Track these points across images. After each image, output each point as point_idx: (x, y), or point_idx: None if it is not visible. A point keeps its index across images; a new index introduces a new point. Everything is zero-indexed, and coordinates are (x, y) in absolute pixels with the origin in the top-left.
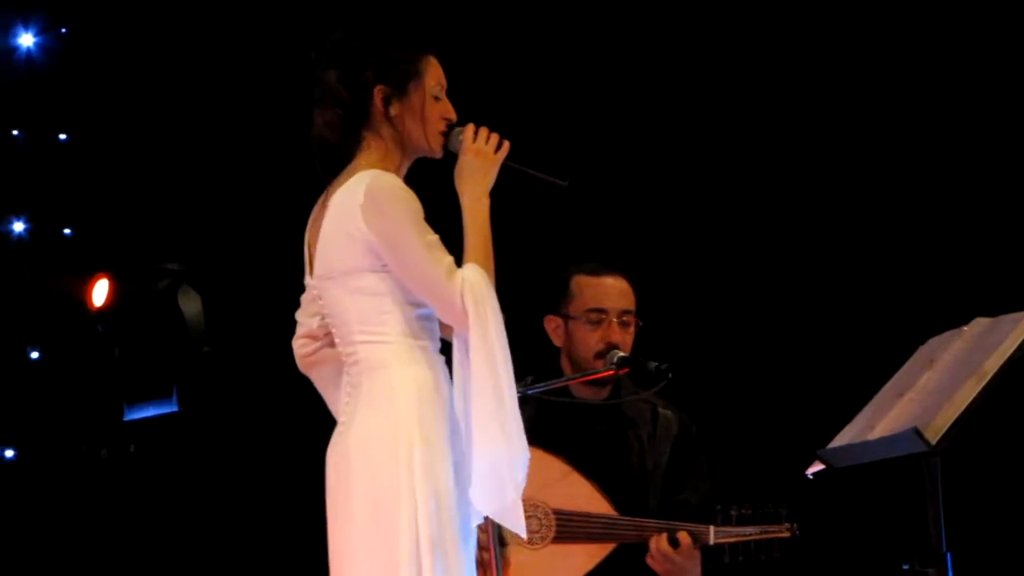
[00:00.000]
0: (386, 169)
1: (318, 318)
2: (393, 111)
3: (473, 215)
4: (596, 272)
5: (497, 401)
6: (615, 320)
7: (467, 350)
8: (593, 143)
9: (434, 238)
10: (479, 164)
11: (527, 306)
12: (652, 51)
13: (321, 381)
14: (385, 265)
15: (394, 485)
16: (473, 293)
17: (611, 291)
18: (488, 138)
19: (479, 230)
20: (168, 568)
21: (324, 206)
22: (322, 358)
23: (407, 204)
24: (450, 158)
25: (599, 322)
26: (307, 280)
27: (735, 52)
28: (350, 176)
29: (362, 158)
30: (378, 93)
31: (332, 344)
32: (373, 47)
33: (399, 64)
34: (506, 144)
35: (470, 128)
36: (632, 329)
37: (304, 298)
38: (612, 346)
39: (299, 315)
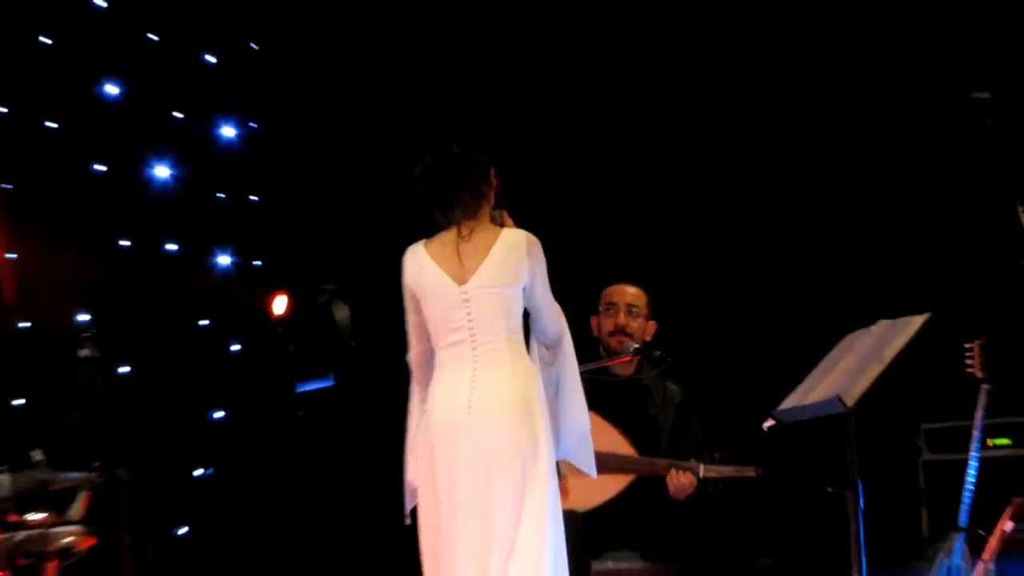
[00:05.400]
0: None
1: (425, 341)
2: (497, 190)
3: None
4: (617, 282)
5: (579, 386)
6: (623, 310)
7: (558, 354)
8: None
9: None
10: None
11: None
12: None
13: (419, 369)
14: (527, 287)
15: (536, 437)
16: (561, 320)
17: (621, 291)
18: None
19: None
20: (327, 490)
21: (468, 242)
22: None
23: None
24: None
25: (611, 312)
26: (444, 290)
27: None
28: (485, 226)
29: (485, 214)
30: (495, 177)
31: (430, 352)
32: (490, 164)
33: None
34: None
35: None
36: (641, 320)
37: (413, 322)
38: (620, 327)
39: (414, 337)
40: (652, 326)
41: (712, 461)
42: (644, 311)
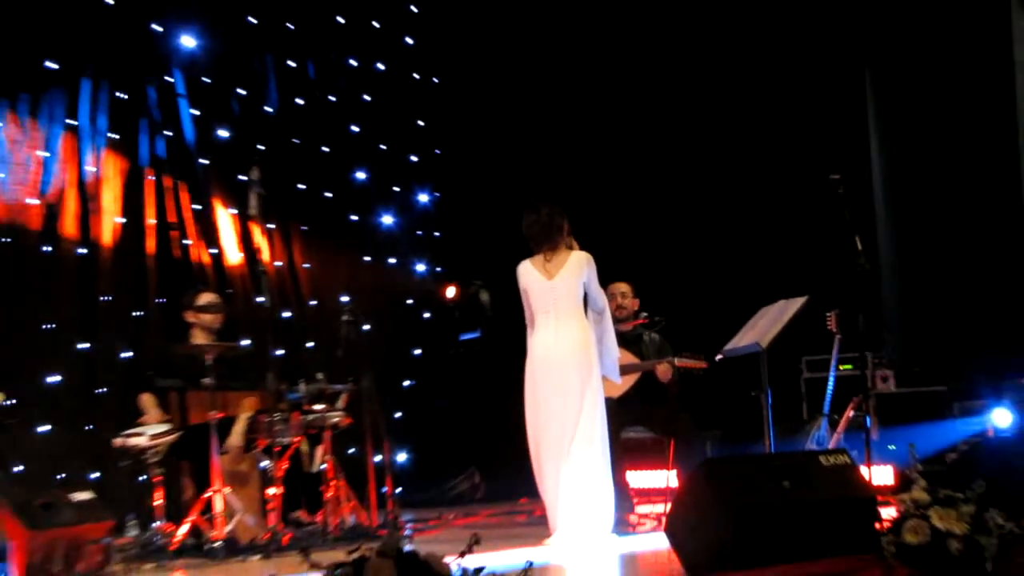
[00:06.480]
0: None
1: (531, 313)
2: (568, 231)
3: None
4: (613, 282)
5: (613, 335)
6: (618, 296)
7: (601, 318)
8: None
9: None
10: None
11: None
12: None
13: (531, 326)
14: (586, 283)
15: (590, 360)
16: (604, 300)
17: (616, 286)
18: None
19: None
20: (476, 392)
21: (551, 260)
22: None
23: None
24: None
25: (612, 299)
26: (540, 285)
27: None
28: (562, 250)
29: (562, 245)
30: (567, 224)
31: (533, 318)
32: (565, 215)
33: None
34: None
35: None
36: (629, 300)
37: (526, 304)
38: (619, 306)
39: (528, 312)
40: (636, 302)
41: (682, 356)
42: (630, 295)
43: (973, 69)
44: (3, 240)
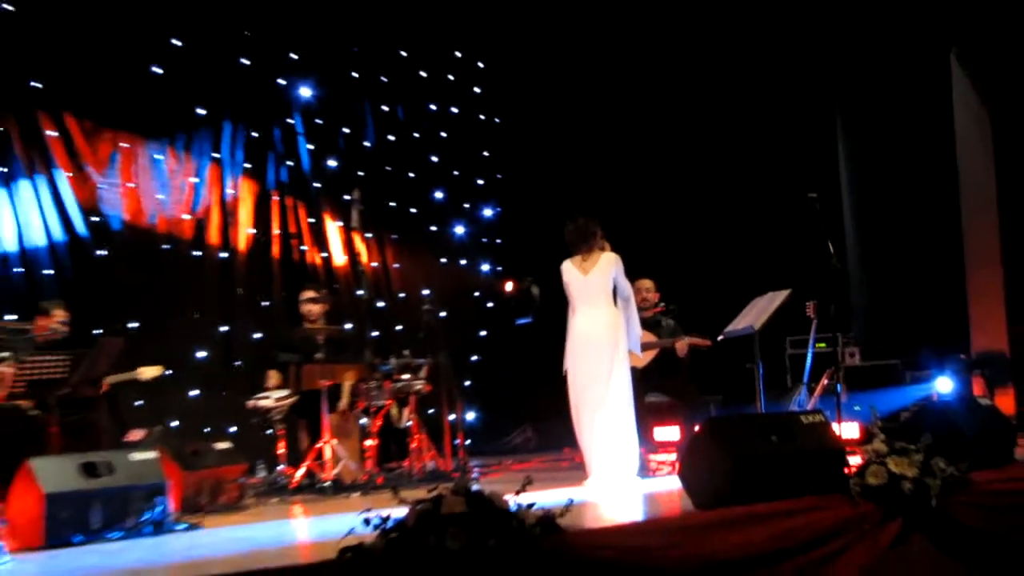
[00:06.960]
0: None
1: (573, 302)
2: (601, 236)
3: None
4: (639, 279)
5: (637, 317)
6: (642, 290)
7: (627, 305)
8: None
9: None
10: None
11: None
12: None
13: (572, 313)
14: (614, 278)
15: (617, 338)
16: (630, 289)
17: (641, 282)
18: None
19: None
20: (528, 363)
21: (587, 260)
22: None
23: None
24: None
25: (638, 292)
26: (578, 280)
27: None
28: (596, 252)
29: (596, 247)
30: (600, 231)
31: (573, 302)
32: (597, 223)
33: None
34: None
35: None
36: (652, 293)
37: (568, 295)
38: (643, 298)
39: (570, 300)
40: (657, 295)
41: (691, 335)
42: (652, 290)
43: (921, 110)
44: (164, 247)
